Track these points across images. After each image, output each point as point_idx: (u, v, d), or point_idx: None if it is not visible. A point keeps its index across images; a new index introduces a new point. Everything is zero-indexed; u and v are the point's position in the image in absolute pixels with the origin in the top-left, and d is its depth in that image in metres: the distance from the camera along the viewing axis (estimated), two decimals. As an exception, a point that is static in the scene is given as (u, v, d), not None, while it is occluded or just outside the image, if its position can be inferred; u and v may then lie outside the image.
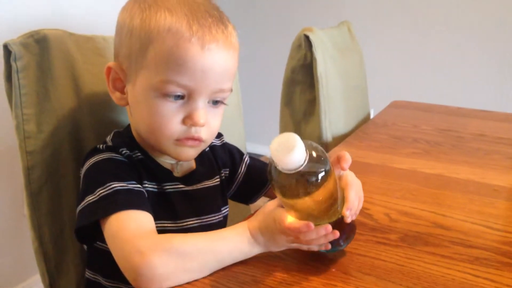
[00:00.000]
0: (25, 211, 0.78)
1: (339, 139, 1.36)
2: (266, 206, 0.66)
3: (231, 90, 0.72)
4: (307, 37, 1.30)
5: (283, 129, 1.42)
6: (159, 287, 0.58)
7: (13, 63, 0.73)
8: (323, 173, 0.58)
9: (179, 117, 0.68)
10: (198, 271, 0.61)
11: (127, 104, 0.73)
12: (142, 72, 0.68)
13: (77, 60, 0.81)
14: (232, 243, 0.63)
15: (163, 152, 0.73)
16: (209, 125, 0.71)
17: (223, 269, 0.63)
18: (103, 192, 0.65)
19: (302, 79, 1.35)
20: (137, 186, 0.69)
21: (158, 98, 0.67)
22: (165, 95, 0.67)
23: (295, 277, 0.63)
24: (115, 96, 0.74)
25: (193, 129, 0.69)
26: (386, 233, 0.76)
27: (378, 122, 1.51)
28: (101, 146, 0.73)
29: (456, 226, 0.79)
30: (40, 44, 0.76)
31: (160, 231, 0.64)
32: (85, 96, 0.82)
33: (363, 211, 0.83)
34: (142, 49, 0.67)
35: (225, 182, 0.87)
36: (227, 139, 0.91)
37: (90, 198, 0.66)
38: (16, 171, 0.80)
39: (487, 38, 2.58)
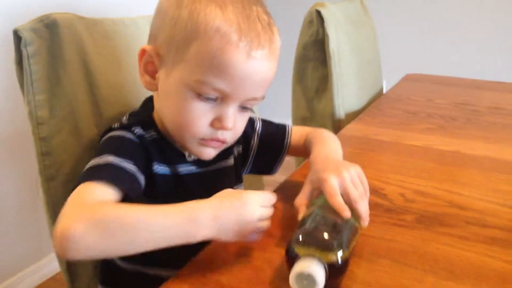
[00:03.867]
0: (40, 194, 0.79)
1: (352, 116, 1.34)
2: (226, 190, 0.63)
3: (263, 98, 0.71)
4: (318, 13, 1.28)
5: (296, 106, 1.41)
6: (78, 256, 0.56)
7: (23, 49, 0.72)
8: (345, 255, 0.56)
9: (208, 118, 0.68)
10: (129, 244, 0.57)
11: (156, 89, 0.72)
12: (180, 65, 0.66)
13: (88, 43, 0.80)
14: (171, 220, 0.57)
15: (184, 147, 0.73)
16: (235, 128, 0.71)
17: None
18: (95, 162, 0.65)
19: (314, 56, 1.33)
20: (132, 166, 0.67)
21: (190, 96, 0.66)
22: (199, 95, 0.66)
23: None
24: (144, 79, 0.72)
25: (220, 131, 0.69)
26: (401, 214, 0.75)
27: (391, 96, 1.49)
28: (115, 125, 0.74)
29: (472, 205, 0.78)
30: (50, 28, 0.75)
31: None
32: (96, 79, 0.81)
33: (378, 191, 0.82)
34: (185, 42, 0.65)
35: (239, 159, 0.86)
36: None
37: (85, 167, 0.66)
38: (30, 155, 0.80)
39: (503, 8, 2.51)
